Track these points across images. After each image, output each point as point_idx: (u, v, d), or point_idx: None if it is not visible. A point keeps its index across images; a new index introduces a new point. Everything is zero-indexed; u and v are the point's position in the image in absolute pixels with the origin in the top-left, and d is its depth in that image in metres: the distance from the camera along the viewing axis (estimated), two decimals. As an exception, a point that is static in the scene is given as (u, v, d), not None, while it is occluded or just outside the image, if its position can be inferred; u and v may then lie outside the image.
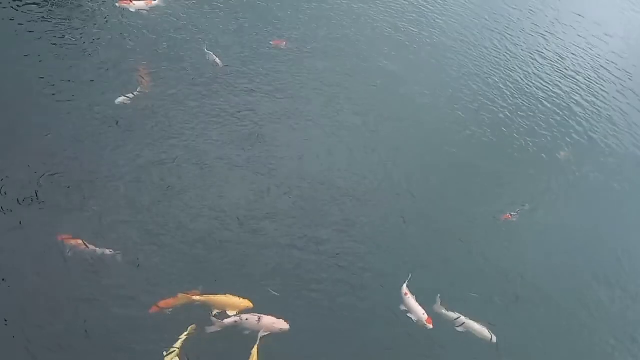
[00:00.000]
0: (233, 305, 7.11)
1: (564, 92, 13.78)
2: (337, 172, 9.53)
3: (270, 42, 11.89)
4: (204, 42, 11.23)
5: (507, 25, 16.06)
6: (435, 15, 15.27)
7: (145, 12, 11.83)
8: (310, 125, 10.37)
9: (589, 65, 15.50)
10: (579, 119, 12.94)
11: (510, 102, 12.69)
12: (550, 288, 8.60)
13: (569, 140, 12.08)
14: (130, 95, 9.58)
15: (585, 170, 11.38)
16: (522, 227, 9.47)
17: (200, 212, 8.43)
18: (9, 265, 7.30)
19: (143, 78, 10.08)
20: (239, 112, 10.16)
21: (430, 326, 7.20)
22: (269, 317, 7.07)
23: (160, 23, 11.69)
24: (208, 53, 10.84)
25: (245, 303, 7.14)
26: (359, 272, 8.03)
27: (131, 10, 11.73)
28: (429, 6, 15.55)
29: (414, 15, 14.98)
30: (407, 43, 13.67)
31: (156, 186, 8.61)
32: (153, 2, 11.90)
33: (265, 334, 6.95)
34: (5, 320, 6.82)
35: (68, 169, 8.49)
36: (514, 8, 17.13)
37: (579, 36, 16.94)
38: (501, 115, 12.11)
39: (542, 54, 15.35)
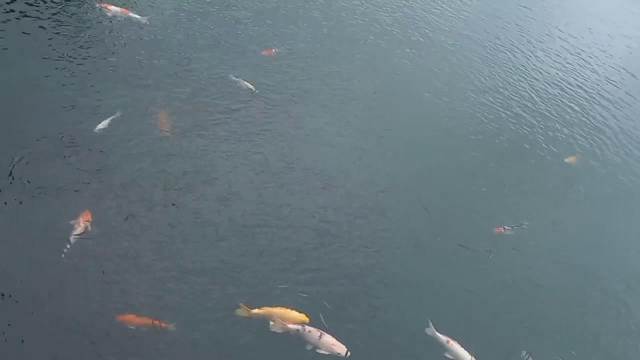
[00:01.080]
0: (290, 319, 7.00)
1: (578, 97, 13.90)
2: (353, 182, 9.46)
3: (261, 52, 11.84)
4: (229, 70, 11.04)
5: (519, 30, 16.33)
6: (447, 17, 15.56)
7: (134, 26, 11.60)
8: (322, 133, 10.32)
9: (603, 67, 15.65)
10: (594, 124, 12.96)
11: (522, 105, 12.78)
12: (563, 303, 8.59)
13: (582, 146, 12.06)
14: (111, 120, 9.11)
15: (597, 177, 11.34)
16: (529, 240, 9.35)
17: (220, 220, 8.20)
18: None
19: (160, 117, 9.65)
20: (247, 112, 10.13)
21: (480, 373, 7.05)
22: (331, 337, 6.88)
23: (154, 39, 11.47)
24: (237, 80, 10.69)
25: (302, 317, 7.03)
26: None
27: (107, 14, 11.58)
28: (437, 7, 15.86)
29: (423, 17, 15.23)
30: (418, 46, 13.87)
31: (172, 203, 8.29)
32: (130, 14, 11.70)
33: (323, 352, 6.79)
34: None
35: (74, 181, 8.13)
36: (525, 9, 17.55)
37: (595, 38, 17.16)
38: (512, 119, 12.21)
39: (557, 57, 15.44)
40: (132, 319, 6.66)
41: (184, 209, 8.22)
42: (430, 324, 7.45)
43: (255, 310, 6.96)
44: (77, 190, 8.06)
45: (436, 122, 11.54)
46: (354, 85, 11.81)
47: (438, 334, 7.38)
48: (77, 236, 7.38)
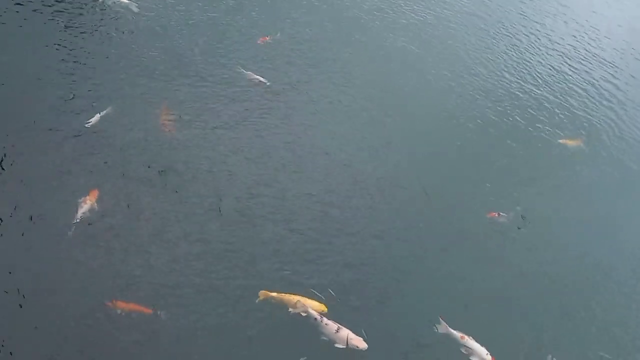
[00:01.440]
0: (309, 307, 7.05)
1: (582, 79, 13.68)
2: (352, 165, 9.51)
3: (258, 41, 11.60)
4: (236, 63, 10.87)
5: (522, 13, 15.88)
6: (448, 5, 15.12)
7: (123, 12, 11.46)
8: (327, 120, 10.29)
9: (607, 50, 15.27)
10: (598, 106, 12.78)
11: (524, 89, 12.62)
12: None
13: (585, 129, 11.93)
14: (103, 114, 8.99)
15: (597, 162, 11.23)
16: (530, 225, 9.30)
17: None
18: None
19: (164, 117, 9.48)
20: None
21: (496, 367, 7.14)
22: (348, 331, 6.88)
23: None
24: (247, 73, 10.56)
25: (321, 307, 7.10)
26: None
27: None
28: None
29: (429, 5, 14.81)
30: (420, 29, 13.67)
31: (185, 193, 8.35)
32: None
33: (340, 346, 6.80)
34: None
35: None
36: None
37: (597, 18, 16.75)
38: (515, 103, 12.07)
39: (561, 40, 15.13)
40: (121, 305, 6.68)
41: (187, 197, 8.26)
42: (442, 320, 7.44)
43: (275, 295, 7.05)
44: (75, 178, 8.09)
45: (437, 107, 11.39)
46: (355, 71, 11.64)
47: (451, 330, 7.37)
48: (82, 215, 7.53)
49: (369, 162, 9.68)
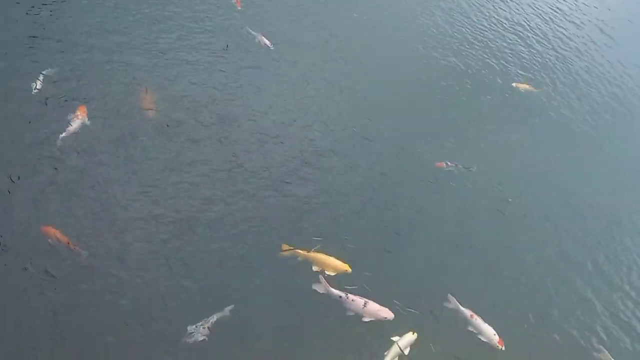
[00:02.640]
0: (332, 267, 6.92)
1: (537, 26, 13.76)
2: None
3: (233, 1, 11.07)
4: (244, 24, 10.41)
5: None
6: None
7: None
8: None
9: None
10: (549, 55, 12.80)
11: (478, 37, 12.57)
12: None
13: (536, 76, 11.94)
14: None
15: (550, 106, 11.24)
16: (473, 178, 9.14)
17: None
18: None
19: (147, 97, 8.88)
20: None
21: (502, 347, 6.94)
22: (375, 303, 6.75)
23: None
24: (255, 35, 10.16)
25: (345, 267, 6.95)
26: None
27: None
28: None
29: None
30: None
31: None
32: None
33: (369, 319, 6.68)
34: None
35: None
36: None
37: None
38: (468, 51, 12.00)
39: None
40: (52, 234, 6.52)
41: (176, 152, 8.06)
42: (452, 297, 7.27)
43: (300, 251, 6.90)
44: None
45: (394, 57, 11.21)
46: (320, 27, 11.28)
47: (461, 308, 7.21)
48: (72, 132, 7.56)
49: (338, 117, 9.49)
